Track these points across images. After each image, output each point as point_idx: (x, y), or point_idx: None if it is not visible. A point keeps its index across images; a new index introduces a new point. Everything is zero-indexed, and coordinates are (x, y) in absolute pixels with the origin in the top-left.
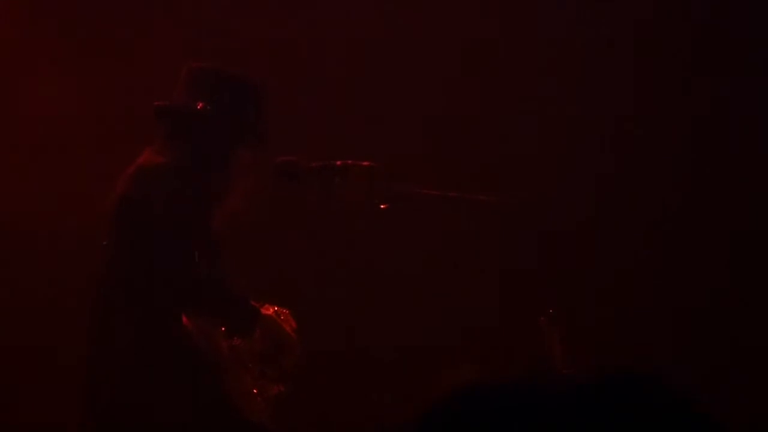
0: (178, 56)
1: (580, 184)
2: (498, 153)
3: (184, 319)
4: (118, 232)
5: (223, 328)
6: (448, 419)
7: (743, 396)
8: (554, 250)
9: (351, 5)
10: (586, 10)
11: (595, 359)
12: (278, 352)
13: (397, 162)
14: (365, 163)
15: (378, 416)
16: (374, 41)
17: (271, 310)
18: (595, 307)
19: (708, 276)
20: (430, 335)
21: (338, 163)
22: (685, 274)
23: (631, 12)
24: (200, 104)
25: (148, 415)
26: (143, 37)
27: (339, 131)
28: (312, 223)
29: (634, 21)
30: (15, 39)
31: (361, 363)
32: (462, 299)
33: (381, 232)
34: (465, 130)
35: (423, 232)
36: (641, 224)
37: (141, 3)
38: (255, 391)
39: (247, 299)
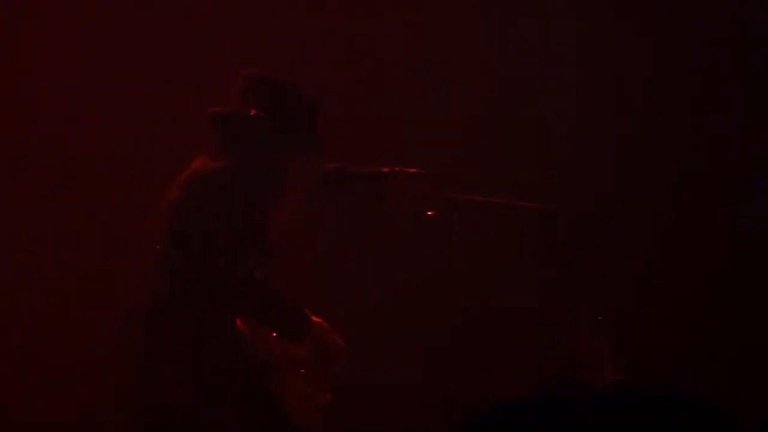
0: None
1: (628, 191)
2: (544, 160)
3: (238, 322)
4: (172, 236)
5: (274, 333)
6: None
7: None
8: (600, 256)
9: (392, 12)
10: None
11: (638, 365)
12: (327, 361)
13: (444, 169)
14: (412, 170)
15: (423, 421)
16: (418, 47)
17: (319, 318)
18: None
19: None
20: (474, 339)
21: (385, 169)
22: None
23: None
24: (253, 111)
25: (197, 415)
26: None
27: (386, 138)
28: (359, 229)
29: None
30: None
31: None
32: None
33: (427, 238)
34: (512, 137)
35: (468, 238)
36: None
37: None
38: (305, 397)
39: (300, 305)
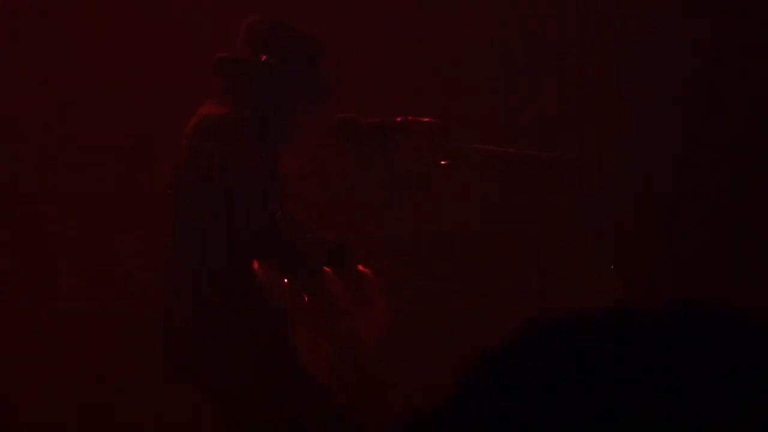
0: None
1: (639, 141)
2: (558, 109)
3: (257, 268)
4: (188, 185)
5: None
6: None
7: None
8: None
9: None
10: None
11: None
12: (365, 305)
13: (457, 118)
14: (425, 119)
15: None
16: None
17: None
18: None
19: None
20: (489, 292)
21: (398, 119)
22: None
23: None
24: (263, 57)
25: (217, 362)
26: None
27: (398, 88)
28: (372, 179)
29: None
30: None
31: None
32: (521, 255)
33: (441, 187)
34: (525, 86)
35: (483, 188)
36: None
37: None
38: (323, 349)
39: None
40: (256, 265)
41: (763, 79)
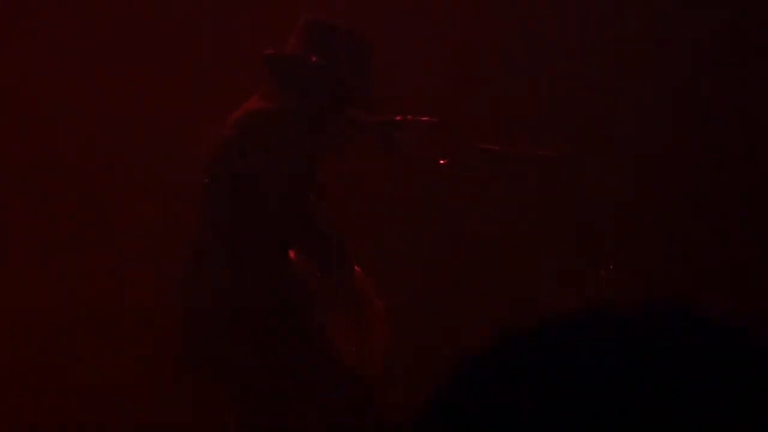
0: None
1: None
2: (559, 109)
3: (293, 257)
4: (228, 175)
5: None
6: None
7: None
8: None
9: None
10: None
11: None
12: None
13: (458, 117)
14: (425, 118)
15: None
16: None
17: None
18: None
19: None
20: (488, 289)
21: (398, 117)
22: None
23: None
24: (314, 57)
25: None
26: None
27: (398, 86)
28: (371, 177)
29: None
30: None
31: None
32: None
33: (440, 186)
34: (527, 86)
35: (482, 186)
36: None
37: None
38: (352, 339)
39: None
40: (292, 254)
41: (763, 79)
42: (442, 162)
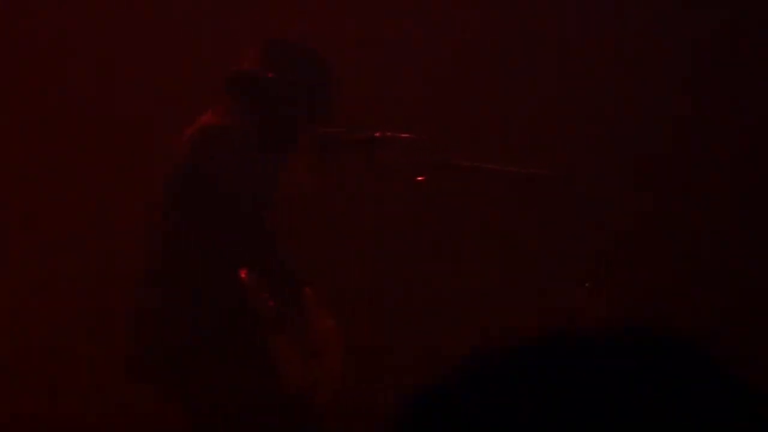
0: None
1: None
2: (542, 128)
3: (245, 276)
4: (182, 192)
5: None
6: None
7: None
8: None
9: None
10: None
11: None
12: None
13: (438, 134)
14: (404, 135)
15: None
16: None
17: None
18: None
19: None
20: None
21: (377, 134)
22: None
23: None
24: (271, 74)
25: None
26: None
27: (379, 104)
28: (351, 194)
29: None
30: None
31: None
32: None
33: (419, 203)
34: (509, 104)
35: (463, 203)
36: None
37: None
38: (300, 363)
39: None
40: (243, 273)
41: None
42: (420, 179)
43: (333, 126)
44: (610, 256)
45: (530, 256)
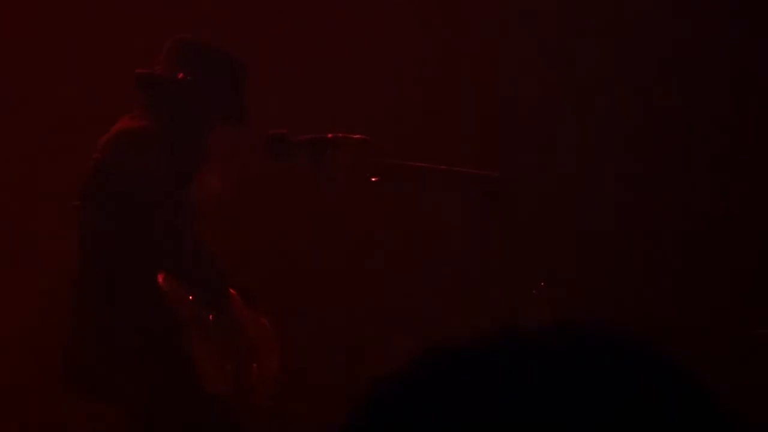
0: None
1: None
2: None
3: (162, 280)
4: (96, 197)
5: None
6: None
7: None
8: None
9: None
10: None
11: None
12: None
13: (390, 135)
14: (356, 136)
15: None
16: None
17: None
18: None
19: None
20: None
21: (329, 135)
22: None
23: None
24: (180, 74)
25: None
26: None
27: (330, 105)
28: (302, 196)
29: None
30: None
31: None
32: (449, 273)
33: (371, 204)
34: (460, 104)
35: (413, 205)
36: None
37: None
38: (221, 364)
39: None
40: (161, 277)
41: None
42: (373, 180)
43: (280, 127)
44: (557, 264)
45: (479, 259)
